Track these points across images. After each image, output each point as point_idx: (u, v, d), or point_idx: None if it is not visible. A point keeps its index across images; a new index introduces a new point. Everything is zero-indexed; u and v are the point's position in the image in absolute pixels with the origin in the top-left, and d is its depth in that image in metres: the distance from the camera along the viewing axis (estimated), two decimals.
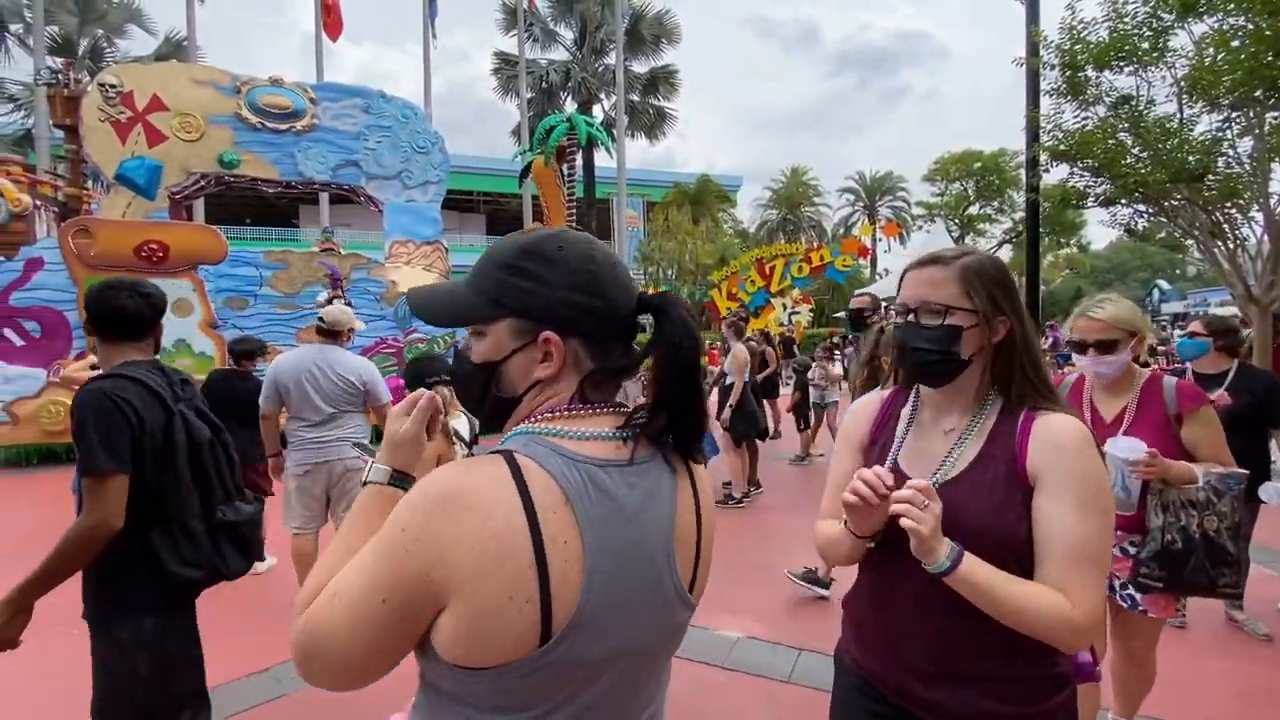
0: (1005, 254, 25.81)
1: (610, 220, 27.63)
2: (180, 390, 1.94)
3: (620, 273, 0.85)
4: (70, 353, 8.48)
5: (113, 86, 9.56)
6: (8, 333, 8.45)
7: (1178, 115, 7.26)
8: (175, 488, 1.83)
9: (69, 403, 2.00)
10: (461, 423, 3.02)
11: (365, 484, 0.92)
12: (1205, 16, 6.86)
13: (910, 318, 1.26)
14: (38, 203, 10.46)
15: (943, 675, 1.20)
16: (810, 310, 19.49)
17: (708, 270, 20.71)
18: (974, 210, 29.92)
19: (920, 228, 32.90)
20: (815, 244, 21.74)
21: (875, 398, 1.46)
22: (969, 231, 29.92)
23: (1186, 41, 7.12)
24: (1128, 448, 2.03)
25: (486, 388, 0.85)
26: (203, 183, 10.50)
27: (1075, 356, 2.21)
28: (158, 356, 2.00)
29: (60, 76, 10.68)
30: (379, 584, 0.72)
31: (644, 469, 0.83)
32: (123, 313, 1.87)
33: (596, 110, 25.89)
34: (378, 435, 4.13)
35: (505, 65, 25.41)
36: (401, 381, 4.32)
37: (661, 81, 26.53)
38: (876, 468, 1.16)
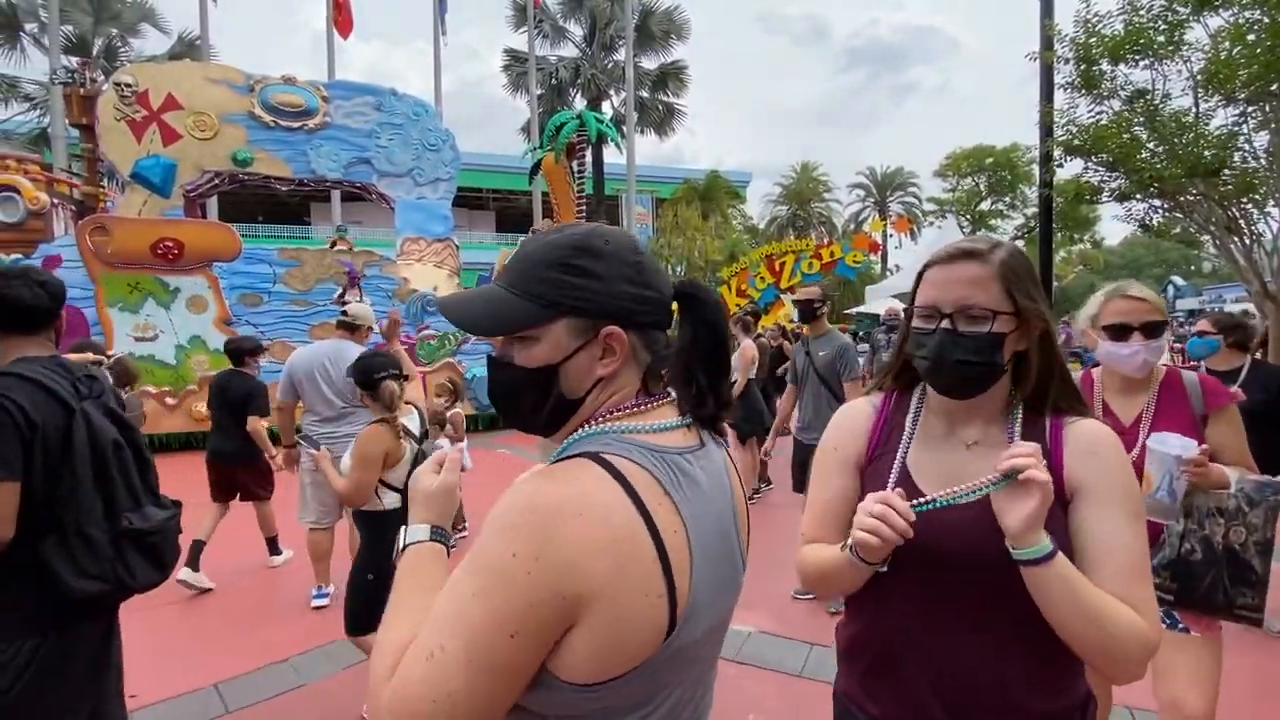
0: None
1: (620, 217, 27.63)
2: (85, 388, 1.74)
3: (656, 262, 0.87)
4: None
5: (128, 86, 9.65)
6: None
7: (1193, 109, 7.18)
8: (73, 492, 1.64)
9: None
10: (412, 419, 2.91)
11: (404, 549, 0.88)
12: (1221, 10, 6.78)
13: (946, 324, 1.08)
14: (55, 201, 10.59)
15: (980, 712, 1.06)
16: None
17: (717, 267, 20.71)
18: (986, 206, 29.68)
19: (932, 223, 32.63)
20: (826, 240, 21.66)
21: (866, 406, 1.27)
22: (981, 227, 29.68)
23: (1202, 35, 7.04)
24: (1181, 445, 1.71)
25: (547, 392, 0.81)
26: (217, 181, 10.60)
27: (1107, 345, 1.90)
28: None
29: (76, 76, 10.79)
30: (501, 619, 0.67)
31: (708, 450, 0.87)
32: (17, 303, 1.65)
33: (606, 107, 25.88)
34: None
35: (515, 62, 25.40)
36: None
37: (671, 78, 26.44)
38: (888, 495, 1.01)
